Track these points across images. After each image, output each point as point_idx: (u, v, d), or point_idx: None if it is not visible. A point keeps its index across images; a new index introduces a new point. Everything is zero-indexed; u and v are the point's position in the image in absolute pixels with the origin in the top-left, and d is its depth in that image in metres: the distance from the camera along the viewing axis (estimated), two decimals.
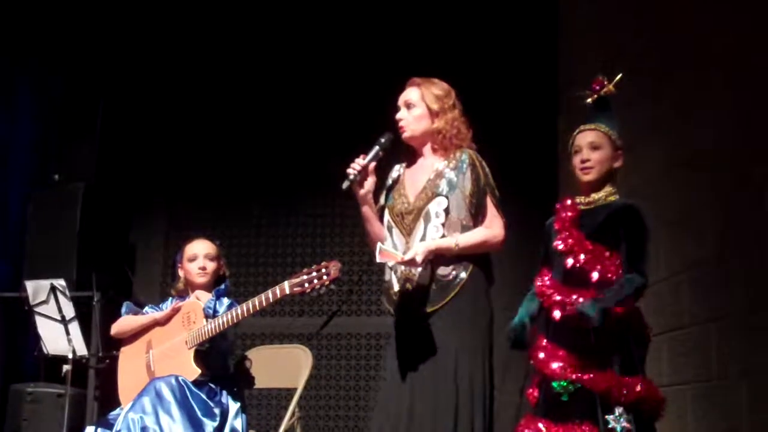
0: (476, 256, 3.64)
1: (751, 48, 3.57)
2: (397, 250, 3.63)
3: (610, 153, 3.54)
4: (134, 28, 6.75)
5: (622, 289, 3.36)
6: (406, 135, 3.75)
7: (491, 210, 3.65)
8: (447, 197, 3.61)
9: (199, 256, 4.43)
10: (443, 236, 3.59)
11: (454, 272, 3.59)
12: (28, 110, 6.95)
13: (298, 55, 6.59)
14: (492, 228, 3.64)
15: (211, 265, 4.42)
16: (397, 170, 3.86)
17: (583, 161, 3.55)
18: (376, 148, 3.71)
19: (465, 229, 3.61)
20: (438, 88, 3.75)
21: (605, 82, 3.56)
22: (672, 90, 4.26)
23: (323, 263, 3.95)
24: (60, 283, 5.30)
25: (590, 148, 3.55)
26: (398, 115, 3.75)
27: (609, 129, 3.56)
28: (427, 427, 3.47)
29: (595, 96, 3.57)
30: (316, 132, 6.49)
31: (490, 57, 6.23)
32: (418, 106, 3.72)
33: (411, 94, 3.75)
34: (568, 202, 3.61)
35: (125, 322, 4.52)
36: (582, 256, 3.46)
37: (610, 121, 3.58)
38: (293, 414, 4.53)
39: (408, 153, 3.83)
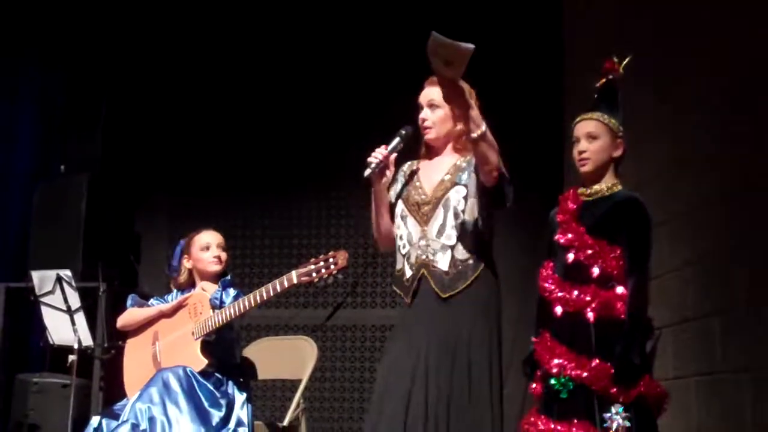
0: (488, 247, 3.65)
1: (753, 45, 3.57)
2: (412, 239, 3.67)
3: (608, 142, 3.50)
4: (139, 22, 6.75)
5: (635, 331, 3.37)
6: (430, 136, 3.73)
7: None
8: (466, 186, 3.62)
9: (212, 245, 4.45)
10: (463, 222, 3.60)
11: (472, 259, 3.58)
12: (33, 102, 6.96)
13: (300, 50, 6.59)
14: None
15: (224, 255, 4.46)
16: (409, 165, 3.85)
17: (580, 152, 3.53)
18: (397, 139, 3.69)
19: (481, 217, 3.62)
20: None
21: (616, 66, 3.55)
22: (678, 84, 4.26)
23: (331, 252, 3.98)
24: (66, 273, 5.32)
25: (587, 138, 3.51)
26: (422, 115, 3.73)
27: (608, 117, 3.52)
28: (442, 418, 3.48)
29: (605, 80, 3.56)
30: (319, 124, 6.50)
31: (495, 46, 6.20)
32: (441, 107, 3.69)
33: (434, 93, 3.69)
34: (571, 193, 3.60)
35: (131, 315, 4.53)
36: (583, 252, 3.46)
37: (611, 109, 3.53)
38: (298, 405, 4.54)
39: (424, 150, 3.82)
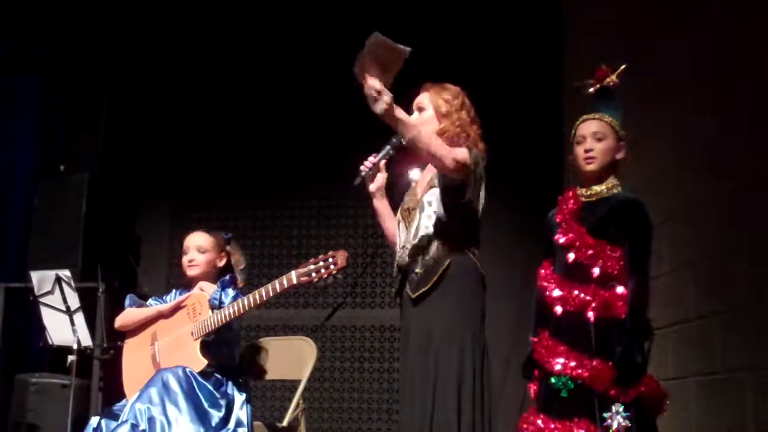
0: (463, 243, 3.65)
1: (753, 45, 3.58)
2: (402, 243, 3.73)
3: (613, 144, 3.52)
4: (139, 20, 6.75)
5: (636, 331, 3.35)
6: None
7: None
8: (438, 186, 3.67)
9: (190, 248, 4.44)
10: (435, 222, 3.63)
11: (440, 258, 3.60)
12: (34, 101, 6.95)
13: (301, 51, 6.59)
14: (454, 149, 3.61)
15: (200, 258, 4.41)
16: (415, 173, 3.96)
17: (586, 151, 3.53)
18: (387, 147, 3.79)
19: (448, 214, 3.64)
20: (447, 92, 3.84)
21: (609, 72, 3.55)
22: (678, 84, 4.26)
23: (330, 252, 3.99)
24: (65, 273, 5.31)
25: (594, 138, 3.52)
26: (411, 118, 3.80)
27: (613, 119, 3.54)
28: (416, 411, 3.54)
29: (598, 86, 3.56)
30: (320, 123, 6.50)
31: (494, 47, 6.22)
32: (428, 109, 3.83)
33: (422, 98, 3.87)
34: (570, 194, 3.60)
35: (129, 315, 4.53)
36: (584, 252, 3.46)
37: (614, 111, 3.56)
38: (298, 405, 4.54)
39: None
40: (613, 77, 3.55)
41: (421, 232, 3.67)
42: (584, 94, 3.58)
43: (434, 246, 3.63)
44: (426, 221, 3.66)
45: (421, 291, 3.61)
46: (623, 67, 3.53)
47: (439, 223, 3.64)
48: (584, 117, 3.55)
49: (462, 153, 3.59)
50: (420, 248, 3.65)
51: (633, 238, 3.43)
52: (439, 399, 3.52)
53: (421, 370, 3.57)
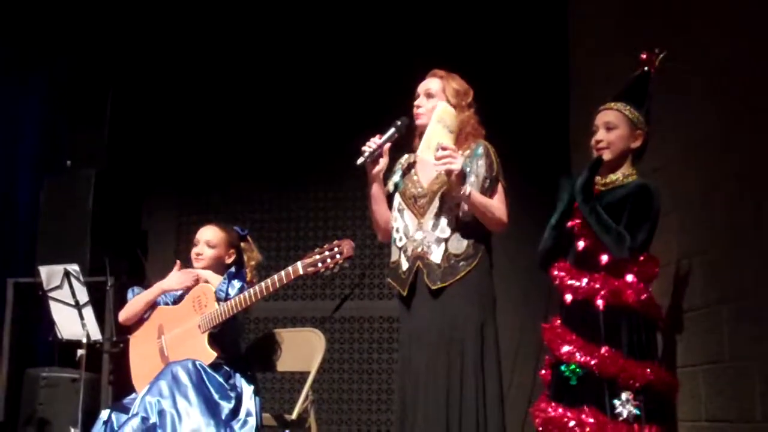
0: (486, 240, 3.73)
1: (757, 44, 3.57)
2: (408, 231, 3.72)
3: (626, 133, 3.54)
4: (144, 16, 6.75)
5: (607, 223, 3.38)
6: (420, 121, 3.83)
7: (500, 197, 3.75)
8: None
9: (200, 241, 4.47)
10: (458, 216, 3.67)
11: (466, 251, 3.66)
12: (39, 97, 6.96)
13: (305, 42, 6.58)
14: (501, 208, 3.71)
15: (208, 252, 4.45)
16: (406, 158, 3.96)
17: (597, 141, 3.56)
18: (392, 129, 3.82)
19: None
20: (458, 84, 3.84)
21: (653, 56, 3.58)
22: (681, 80, 4.25)
23: (335, 242, 4.00)
24: (74, 268, 5.32)
25: (605, 128, 3.56)
26: (417, 102, 3.85)
27: (629, 108, 3.54)
28: (440, 405, 3.54)
29: (641, 71, 3.58)
30: (325, 115, 6.49)
31: (502, 39, 6.21)
32: (438, 97, 3.81)
33: (432, 84, 3.85)
34: None
35: (132, 305, 4.53)
36: (592, 239, 3.47)
37: (637, 100, 3.57)
38: (307, 397, 4.55)
39: (419, 141, 3.88)
40: (656, 62, 3.58)
41: (443, 224, 3.68)
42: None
43: (458, 240, 3.67)
44: (448, 213, 3.69)
45: (448, 282, 3.64)
46: (665, 53, 3.55)
47: (468, 219, 3.68)
48: (601, 107, 3.58)
49: (504, 212, 3.71)
50: (443, 240, 3.67)
51: (632, 212, 3.44)
52: (466, 393, 3.56)
53: (443, 363, 3.59)
